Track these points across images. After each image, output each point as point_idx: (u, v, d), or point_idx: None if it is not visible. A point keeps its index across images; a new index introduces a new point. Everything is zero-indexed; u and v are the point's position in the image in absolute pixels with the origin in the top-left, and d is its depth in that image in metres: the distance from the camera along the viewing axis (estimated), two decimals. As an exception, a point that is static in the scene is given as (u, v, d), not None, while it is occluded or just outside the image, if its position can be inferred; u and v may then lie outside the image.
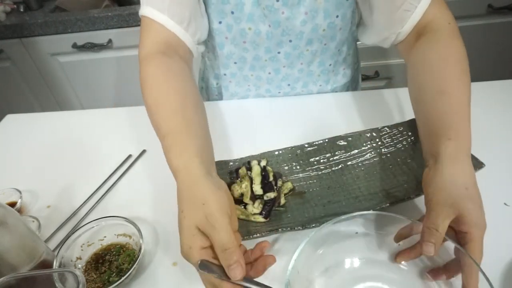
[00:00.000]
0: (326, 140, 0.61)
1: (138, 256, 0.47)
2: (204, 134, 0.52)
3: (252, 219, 0.52)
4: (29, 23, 1.35)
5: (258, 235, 0.48)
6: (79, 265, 0.51)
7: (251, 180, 0.53)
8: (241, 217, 0.52)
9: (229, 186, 0.53)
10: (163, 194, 0.61)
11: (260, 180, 0.53)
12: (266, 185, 0.52)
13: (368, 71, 1.47)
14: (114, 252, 0.52)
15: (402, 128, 0.60)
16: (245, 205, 0.53)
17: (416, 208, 0.52)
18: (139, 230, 0.50)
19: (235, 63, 0.76)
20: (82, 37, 1.38)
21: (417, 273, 0.46)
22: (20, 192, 0.61)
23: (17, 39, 1.40)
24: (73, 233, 0.51)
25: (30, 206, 0.62)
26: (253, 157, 0.60)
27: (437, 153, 0.45)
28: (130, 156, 0.70)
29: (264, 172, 0.54)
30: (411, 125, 0.59)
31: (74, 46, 1.40)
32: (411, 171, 0.54)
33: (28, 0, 1.49)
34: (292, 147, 0.61)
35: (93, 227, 0.52)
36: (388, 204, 0.49)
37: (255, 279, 0.39)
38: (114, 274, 0.49)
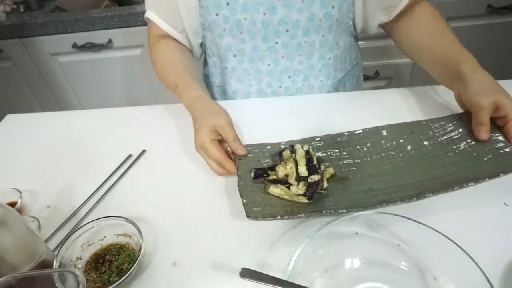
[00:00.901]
0: (367, 129, 0.62)
1: (138, 256, 0.47)
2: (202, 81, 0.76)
3: (296, 199, 0.53)
4: (29, 23, 1.35)
5: (302, 215, 0.49)
6: (79, 265, 0.51)
7: (296, 162, 0.54)
8: (285, 197, 0.54)
9: (273, 167, 0.56)
10: (163, 194, 0.61)
11: (305, 162, 0.54)
12: (311, 168, 0.53)
13: (368, 71, 1.47)
14: (114, 252, 0.52)
15: (444, 122, 0.61)
16: (289, 185, 0.54)
17: (416, 208, 0.52)
18: (139, 230, 0.50)
19: (234, 55, 0.77)
20: (82, 37, 1.38)
21: (417, 273, 0.46)
22: (20, 192, 0.61)
23: (17, 39, 1.40)
24: (73, 233, 0.51)
25: (30, 206, 0.62)
26: (295, 141, 0.62)
27: (460, 73, 0.60)
28: (130, 156, 0.70)
29: (308, 155, 0.55)
30: (452, 119, 0.62)
31: (74, 46, 1.40)
32: (453, 164, 0.55)
33: (28, 0, 1.49)
34: (332, 135, 0.63)
35: (93, 227, 0.52)
36: (432, 194, 0.49)
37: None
38: (114, 274, 0.49)
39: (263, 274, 0.42)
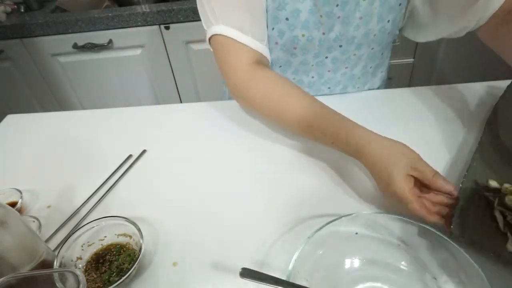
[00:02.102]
0: None
1: (139, 256, 0.47)
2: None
3: None
4: (30, 23, 1.35)
5: None
6: (80, 265, 0.51)
7: None
8: None
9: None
10: (164, 194, 0.61)
11: None
12: None
13: (368, 71, 1.47)
14: (114, 252, 0.52)
15: None
16: None
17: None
18: (139, 230, 0.50)
19: (280, 66, 0.75)
20: (82, 38, 1.38)
21: (417, 273, 0.46)
22: (20, 192, 0.61)
23: (18, 40, 1.40)
24: (74, 233, 0.51)
25: (30, 206, 0.62)
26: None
27: None
28: (130, 156, 0.70)
29: None
30: None
31: (75, 46, 1.40)
32: None
33: (28, 1, 1.49)
34: None
35: (93, 227, 0.52)
36: None
37: None
38: (115, 274, 0.49)
39: (263, 274, 0.42)
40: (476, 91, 0.76)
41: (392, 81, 1.53)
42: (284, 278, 0.42)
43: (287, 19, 0.65)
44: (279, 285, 0.41)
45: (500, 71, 1.47)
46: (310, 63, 0.73)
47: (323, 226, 0.45)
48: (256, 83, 0.61)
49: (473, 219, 0.46)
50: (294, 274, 0.42)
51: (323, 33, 0.68)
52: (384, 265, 0.47)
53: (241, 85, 0.62)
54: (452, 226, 0.44)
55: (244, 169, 0.63)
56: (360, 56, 0.74)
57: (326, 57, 0.72)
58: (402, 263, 0.46)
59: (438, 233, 0.44)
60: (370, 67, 0.78)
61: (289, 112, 0.59)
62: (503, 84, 0.72)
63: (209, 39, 0.64)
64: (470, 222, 0.46)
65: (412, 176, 0.48)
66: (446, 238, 0.42)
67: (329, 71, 0.75)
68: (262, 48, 0.64)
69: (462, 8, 0.62)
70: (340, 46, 0.70)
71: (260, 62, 0.64)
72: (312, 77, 0.76)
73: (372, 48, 0.73)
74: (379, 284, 0.45)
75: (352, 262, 0.47)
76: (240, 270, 0.42)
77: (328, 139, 0.56)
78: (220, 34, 0.60)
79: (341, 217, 0.46)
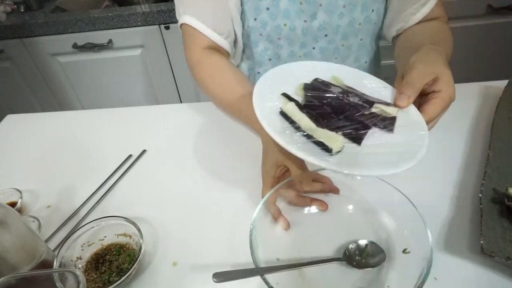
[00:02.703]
0: None
1: (138, 256, 0.47)
2: None
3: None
4: (30, 23, 1.35)
5: None
6: (79, 265, 0.51)
7: None
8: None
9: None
10: (163, 194, 0.61)
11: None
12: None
13: (368, 71, 1.47)
14: (114, 252, 0.52)
15: None
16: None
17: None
18: (139, 230, 0.50)
19: (269, 59, 0.76)
20: (82, 37, 1.38)
21: (362, 212, 0.52)
22: (20, 192, 0.61)
23: (18, 39, 1.40)
24: (73, 233, 0.51)
25: (30, 206, 0.62)
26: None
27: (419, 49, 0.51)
28: (130, 156, 0.70)
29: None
30: None
31: (75, 46, 1.40)
32: None
33: (28, 1, 1.49)
34: None
35: (93, 227, 0.52)
36: None
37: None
38: (114, 274, 0.49)
39: (236, 271, 0.42)
40: (476, 91, 0.76)
41: (392, 81, 1.53)
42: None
43: (267, 8, 0.67)
44: (255, 275, 0.41)
45: (499, 71, 1.48)
46: (297, 54, 0.74)
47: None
48: (201, 65, 0.68)
49: (500, 231, 0.46)
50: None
51: (305, 21, 0.69)
52: (335, 211, 0.53)
53: (191, 66, 0.70)
54: (482, 242, 0.44)
55: (244, 169, 0.63)
56: (349, 46, 0.74)
57: (314, 48, 0.73)
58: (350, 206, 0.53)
59: (381, 179, 0.49)
60: (365, 62, 0.77)
61: (223, 94, 0.66)
62: (503, 84, 0.72)
63: (180, 26, 0.71)
64: (499, 235, 0.46)
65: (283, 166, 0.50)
66: (386, 182, 0.49)
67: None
68: (221, 41, 0.69)
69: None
70: (326, 35, 0.71)
71: (214, 47, 0.69)
72: None
73: (361, 39, 0.73)
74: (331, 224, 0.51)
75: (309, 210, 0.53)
76: (213, 277, 0.41)
77: (251, 124, 0.63)
78: (186, 23, 0.67)
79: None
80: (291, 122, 0.43)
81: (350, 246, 0.48)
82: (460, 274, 0.45)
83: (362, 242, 0.48)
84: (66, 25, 1.35)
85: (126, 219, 0.52)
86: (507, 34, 1.38)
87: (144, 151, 0.71)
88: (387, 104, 0.46)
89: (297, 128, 0.42)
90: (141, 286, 0.49)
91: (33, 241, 0.46)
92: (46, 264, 0.46)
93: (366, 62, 0.78)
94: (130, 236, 0.53)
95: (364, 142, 0.41)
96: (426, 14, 0.67)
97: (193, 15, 0.66)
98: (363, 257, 0.47)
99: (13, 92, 1.58)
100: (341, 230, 0.51)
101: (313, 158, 0.37)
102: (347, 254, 0.47)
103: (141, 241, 0.49)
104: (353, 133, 0.42)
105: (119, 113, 0.83)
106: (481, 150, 0.62)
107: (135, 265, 0.47)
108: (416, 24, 0.69)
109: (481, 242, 0.44)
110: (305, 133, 0.41)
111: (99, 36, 1.38)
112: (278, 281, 0.41)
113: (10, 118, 0.86)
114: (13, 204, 0.59)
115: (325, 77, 0.50)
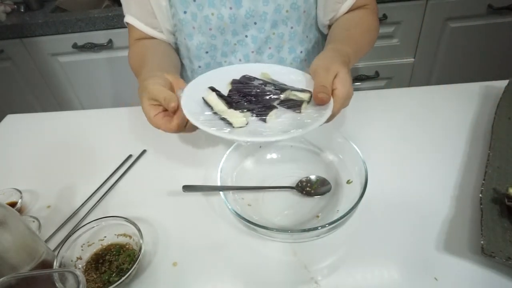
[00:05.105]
0: None
1: (138, 256, 0.47)
2: (166, 59, 0.72)
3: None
4: (30, 23, 1.35)
5: None
6: (79, 265, 0.51)
7: None
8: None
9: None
10: (163, 194, 0.61)
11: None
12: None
13: (368, 71, 1.47)
14: (114, 252, 0.52)
15: None
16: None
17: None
18: (139, 230, 0.50)
19: (206, 52, 0.77)
20: (82, 37, 1.38)
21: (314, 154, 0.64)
22: (20, 192, 0.61)
23: (18, 39, 1.40)
24: (73, 233, 0.51)
25: (30, 206, 0.62)
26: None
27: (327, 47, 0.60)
28: (130, 156, 0.70)
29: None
30: None
31: (75, 46, 1.40)
32: None
33: (28, 1, 1.49)
34: None
35: (93, 227, 0.52)
36: None
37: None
38: (114, 274, 0.49)
39: (202, 185, 0.56)
40: (476, 91, 0.76)
41: (392, 81, 1.53)
42: None
43: (194, 0, 0.69)
44: (218, 190, 0.54)
45: (500, 71, 1.48)
46: (231, 42, 0.75)
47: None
48: (131, 48, 0.77)
49: (501, 231, 0.47)
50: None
51: (230, 8, 0.69)
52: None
53: (128, 55, 0.77)
54: (482, 242, 0.45)
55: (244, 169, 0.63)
56: (281, 35, 0.74)
57: (246, 36, 0.74)
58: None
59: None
60: (301, 52, 0.77)
61: (136, 62, 0.71)
62: (503, 84, 0.72)
63: (126, 24, 0.79)
64: (499, 235, 0.46)
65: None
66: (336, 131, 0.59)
67: (253, 52, 0.76)
68: (157, 35, 0.76)
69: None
70: (255, 23, 0.72)
71: (149, 36, 0.77)
72: (240, 60, 0.77)
73: (292, 27, 0.73)
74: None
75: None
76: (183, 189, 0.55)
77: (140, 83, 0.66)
78: (127, 22, 0.76)
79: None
80: (210, 107, 0.51)
81: (303, 179, 0.59)
82: (460, 274, 0.45)
83: (312, 176, 0.60)
84: (66, 25, 1.35)
85: (126, 219, 0.52)
86: (507, 34, 1.38)
87: (144, 151, 0.71)
88: (302, 90, 0.52)
89: (213, 112, 0.50)
90: (141, 286, 0.49)
91: (33, 241, 0.46)
92: (46, 264, 0.46)
93: (301, 52, 0.78)
94: (130, 236, 0.53)
95: (273, 120, 0.49)
96: (353, 2, 0.71)
97: (131, 14, 0.75)
98: (312, 188, 0.58)
99: (13, 92, 1.58)
100: (297, 170, 0.62)
101: (213, 130, 0.46)
102: (300, 185, 0.59)
103: (141, 241, 0.49)
104: (260, 112, 0.50)
105: (119, 113, 0.83)
106: (481, 150, 0.62)
107: (135, 265, 0.47)
108: (346, 13, 0.73)
109: (481, 242, 0.44)
110: (214, 112, 0.50)
111: (99, 36, 1.38)
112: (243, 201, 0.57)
113: (10, 118, 0.86)
114: (13, 204, 0.59)
115: (256, 74, 0.57)
